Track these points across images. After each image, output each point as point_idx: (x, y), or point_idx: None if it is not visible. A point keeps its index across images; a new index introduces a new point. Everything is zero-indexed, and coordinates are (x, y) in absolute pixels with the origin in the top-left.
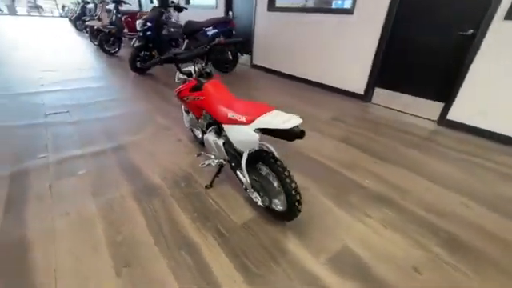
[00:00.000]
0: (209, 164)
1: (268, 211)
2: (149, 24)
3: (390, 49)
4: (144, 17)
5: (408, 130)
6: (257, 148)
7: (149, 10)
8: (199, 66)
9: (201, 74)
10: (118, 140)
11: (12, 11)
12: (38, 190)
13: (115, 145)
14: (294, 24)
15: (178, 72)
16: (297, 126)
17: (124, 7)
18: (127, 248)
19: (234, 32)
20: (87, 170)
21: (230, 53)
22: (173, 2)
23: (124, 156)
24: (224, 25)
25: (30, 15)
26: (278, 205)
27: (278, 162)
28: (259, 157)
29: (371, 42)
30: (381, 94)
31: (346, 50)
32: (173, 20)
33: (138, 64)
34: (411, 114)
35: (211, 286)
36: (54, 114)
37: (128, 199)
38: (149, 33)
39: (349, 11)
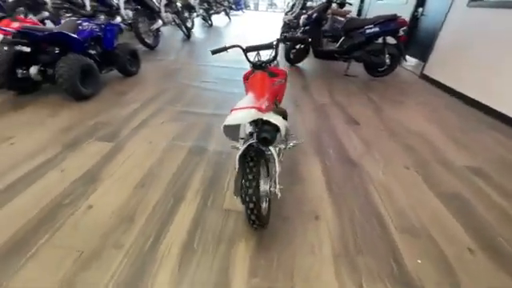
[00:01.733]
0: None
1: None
2: (311, 19)
3: None
4: (309, 12)
5: None
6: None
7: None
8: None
9: (255, 64)
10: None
11: (256, 8)
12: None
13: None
14: None
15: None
16: (264, 132)
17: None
18: None
19: (403, 32)
20: (187, 122)
21: (388, 55)
22: None
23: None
24: (388, 23)
25: (266, 11)
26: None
27: (250, 164)
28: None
29: None
30: None
31: None
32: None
33: (291, 55)
34: None
35: None
36: (206, 82)
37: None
38: (307, 27)
39: None
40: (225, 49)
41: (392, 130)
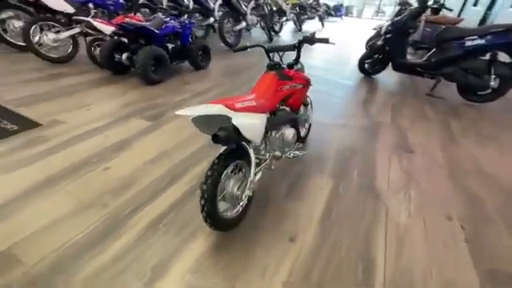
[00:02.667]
0: None
1: None
2: (395, 26)
3: None
4: (394, 19)
5: None
6: None
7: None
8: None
9: (268, 65)
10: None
11: (359, 15)
12: None
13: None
14: None
15: None
16: (220, 129)
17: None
18: None
19: None
20: None
21: (495, 76)
22: (436, 2)
23: None
24: (504, 35)
25: (372, 19)
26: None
27: (215, 160)
28: None
29: None
30: None
31: None
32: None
33: (366, 65)
34: None
35: None
36: None
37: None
38: (388, 35)
39: None
40: (246, 47)
41: (455, 167)
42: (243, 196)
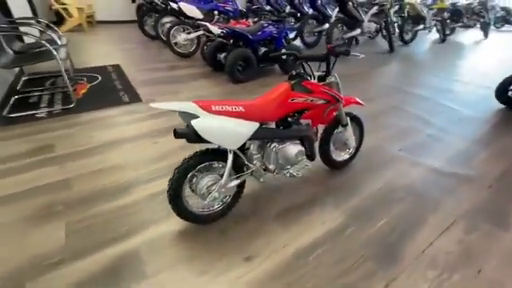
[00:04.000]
0: None
1: None
2: None
3: None
4: None
5: None
6: None
7: None
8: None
9: (290, 75)
10: None
11: None
12: None
13: None
14: None
15: None
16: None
17: None
18: None
19: None
20: None
21: None
22: None
23: None
24: None
25: None
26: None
27: (189, 155)
28: None
29: None
30: None
31: None
32: None
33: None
34: None
35: None
36: None
37: None
38: None
39: None
40: (281, 54)
41: None
42: (209, 196)
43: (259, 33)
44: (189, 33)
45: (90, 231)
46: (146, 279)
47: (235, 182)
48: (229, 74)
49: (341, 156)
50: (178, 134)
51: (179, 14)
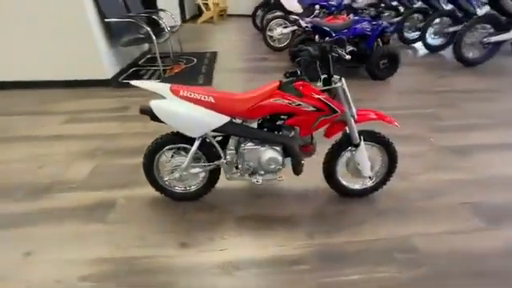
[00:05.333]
0: None
1: None
2: None
3: None
4: None
5: None
6: None
7: None
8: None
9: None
10: None
11: None
12: None
13: None
14: None
15: None
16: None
17: None
18: None
19: None
20: None
21: None
22: None
23: None
24: None
25: None
26: None
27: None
28: None
29: None
30: None
31: None
32: None
33: None
34: None
35: None
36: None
37: None
38: None
39: None
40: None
41: None
42: (171, 175)
43: (346, 30)
44: (285, 27)
45: (106, 176)
46: (104, 224)
47: (197, 170)
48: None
49: (356, 183)
50: (142, 111)
51: (281, 7)
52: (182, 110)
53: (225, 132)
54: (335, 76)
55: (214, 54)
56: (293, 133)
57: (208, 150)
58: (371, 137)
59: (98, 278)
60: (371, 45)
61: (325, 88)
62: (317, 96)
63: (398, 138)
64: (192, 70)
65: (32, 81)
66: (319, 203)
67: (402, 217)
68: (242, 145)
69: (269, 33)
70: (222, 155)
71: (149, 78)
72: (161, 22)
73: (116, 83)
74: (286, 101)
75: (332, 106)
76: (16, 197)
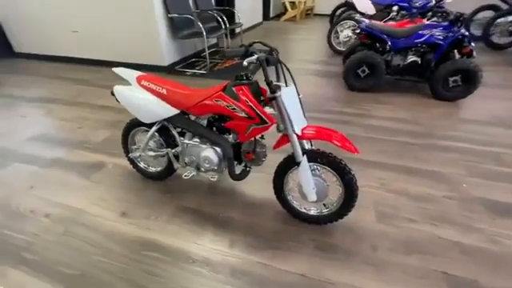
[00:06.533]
0: None
1: None
2: None
3: None
4: None
5: None
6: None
7: None
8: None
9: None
10: None
11: None
12: None
13: None
14: None
15: None
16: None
17: None
18: None
19: None
20: None
21: None
22: None
23: None
24: None
25: None
26: None
27: None
28: None
29: None
30: None
31: None
32: None
33: None
34: None
35: None
36: None
37: None
38: None
39: None
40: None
41: None
42: (133, 153)
43: (407, 36)
44: (354, 30)
45: (112, 144)
46: (87, 180)
47: (150, 153)
48: (343, 76)
49: (312, 208)
50: (112, 93)
51: (355, 8)
52: (137, 98)
53: (172, 123)
54: (279, 84)
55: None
56: (230, 136)
57: (166, 138)
58: (321, 158)
59: (54, 219)
60: (438, 56)
61: (271, 96)
62: (249, 103)
63: (423, 172)
64: (241, 66)
65: (107, 60)
66: (264, 217)
67: (349, 263)
68: (189, 139)
69: (336, 35)
70: (180, 144)
71: (199, 69)
72: (219, 19)
73: (171, 70)
74: (225, 103)
75: (261, 115)
76: (52, 146)
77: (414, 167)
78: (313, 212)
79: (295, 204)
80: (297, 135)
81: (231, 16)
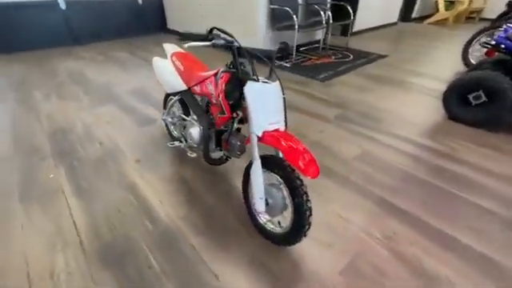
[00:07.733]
0: None
1: None
2: None
3: None
4: None
5: None
6: None
7: None
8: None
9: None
10: None
11: None
12: None
13: None
14: None
15: None
16: None
17: None
18: None
19: None
20: None
21: None
22: None
23: None
24: None
25: None
26: None
27: None
28: None
29: None
30: None
31: None
32: None
33: None
34: None
35: None
36: None
37: None
38: None
39: None
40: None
41: None
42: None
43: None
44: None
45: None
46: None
47: (168, 119)
48: (442, 98)
49: (264, 220)
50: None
51: None
52: (163, 70)
53: (183, 98)
54: (254, 78)
55: (382, 57)
56: (207, 117)
57: (184, 108)
58: (278, 168)
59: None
60: None
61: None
62: (219, 92)
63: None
64: (333, 65)
65: None
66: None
67: None
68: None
69: (470, 47)
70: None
71: (286, 63)
72: (322, 13)
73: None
74: (211, 87)
75: (222, 104)
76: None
77: (463, 241)
78: (268, 227)
79: (260, 219)
80: (257, 137)
81: (346, 12)
